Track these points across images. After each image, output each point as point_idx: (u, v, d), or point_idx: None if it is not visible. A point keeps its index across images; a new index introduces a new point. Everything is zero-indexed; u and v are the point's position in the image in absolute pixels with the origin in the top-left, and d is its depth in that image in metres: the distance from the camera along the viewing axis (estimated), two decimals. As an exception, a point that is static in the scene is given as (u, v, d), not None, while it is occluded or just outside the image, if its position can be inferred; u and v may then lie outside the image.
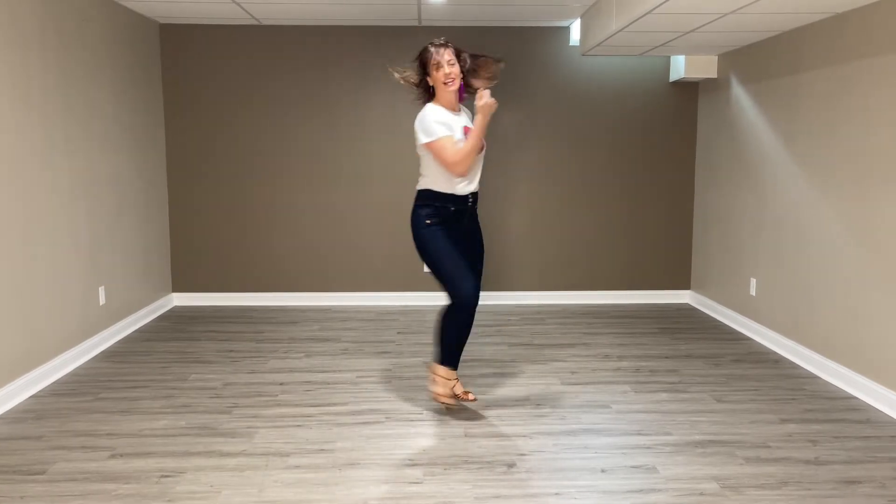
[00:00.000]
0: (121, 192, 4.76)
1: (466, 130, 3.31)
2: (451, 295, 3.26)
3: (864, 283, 3.66)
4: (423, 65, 3.30)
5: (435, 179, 3.31)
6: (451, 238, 3.32)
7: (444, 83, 3.25)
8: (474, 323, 3.27)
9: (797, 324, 4.27)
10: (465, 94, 3.41)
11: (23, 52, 3.62)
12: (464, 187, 3.32)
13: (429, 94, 3.37)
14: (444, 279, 3.27)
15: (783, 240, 4.42)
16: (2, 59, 3.44)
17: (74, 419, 3.34)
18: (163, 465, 2.87)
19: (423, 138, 3.24)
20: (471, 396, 3.59)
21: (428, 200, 3.33)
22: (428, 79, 3.32)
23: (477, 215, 3.51)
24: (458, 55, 3.29)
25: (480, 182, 3.47)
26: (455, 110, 3.35)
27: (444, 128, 3.20)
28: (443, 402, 3.43)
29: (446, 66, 3.23)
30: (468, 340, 3.52)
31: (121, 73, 4.76)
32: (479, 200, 3.51)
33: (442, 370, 3.39)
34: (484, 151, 3.36)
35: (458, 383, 3.63)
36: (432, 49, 3.27)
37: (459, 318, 3.28)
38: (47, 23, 3.85)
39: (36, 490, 2.66)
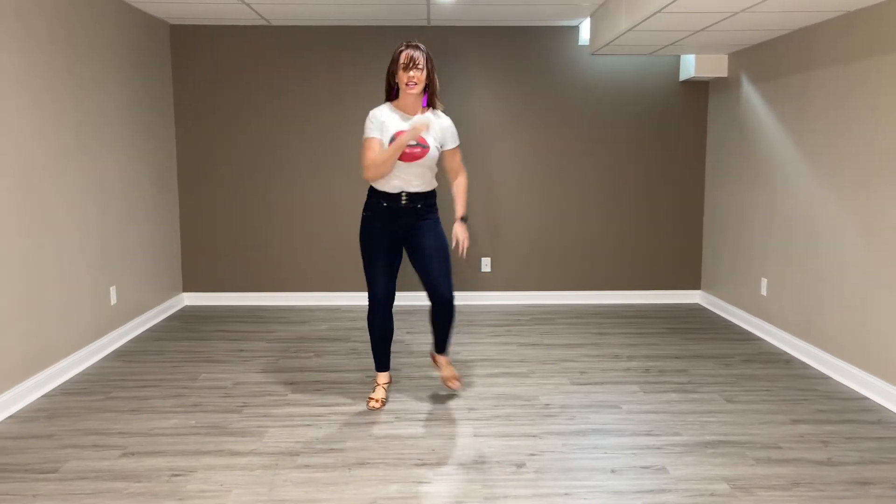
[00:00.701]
0: (132, 192, 4.78)
1: (396, 135, 3.30)
2: (369, 293, 3.43)
3: (875, 282, 3.63)
4: (393, 62, 3.31)
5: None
6: (385, 237, 3.39)
7: (406, 84, 3.27)
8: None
9: (808, 324, 4.25)
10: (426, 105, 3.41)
11: (33, 54, 3.65)
12: (394, 185, 3.33)
13: (392, 93, 3.39)
14: (365, 276, 3.46)
15: (794, 239, 4.40)
16: (13, 61, 3.47)
17: (86, 418, 3.36)
18: (173, 463, 2.88)
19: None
20: (454, 384, 3.61)
21: (369, 196, 3.45)
22: (396, 77, 3.33)
23: (428, 220, 3.42)
24: (428, 63, 3.30)
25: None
26: (411, 114, 3.36)
27: (375, 129, 3.31)
28: (370, 406, 3.53)
29: (412, 68, 3.25)
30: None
31: (131, 74, 4.78)
32: (428, 206, 3.42)
33: (378, 375, 3.63)
34: (423, 159, 3.30)
35: (380, 388, 3.61)
36: (404, 49, 3.28)
37: (372, 316, 3.47)
38: (57, 24, 3.87)
39: (48, 489, 2.67)
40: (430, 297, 3.46)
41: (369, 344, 4.60)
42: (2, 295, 3.37)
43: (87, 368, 4.10)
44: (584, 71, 5.61)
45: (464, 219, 3.49)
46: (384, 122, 3.32)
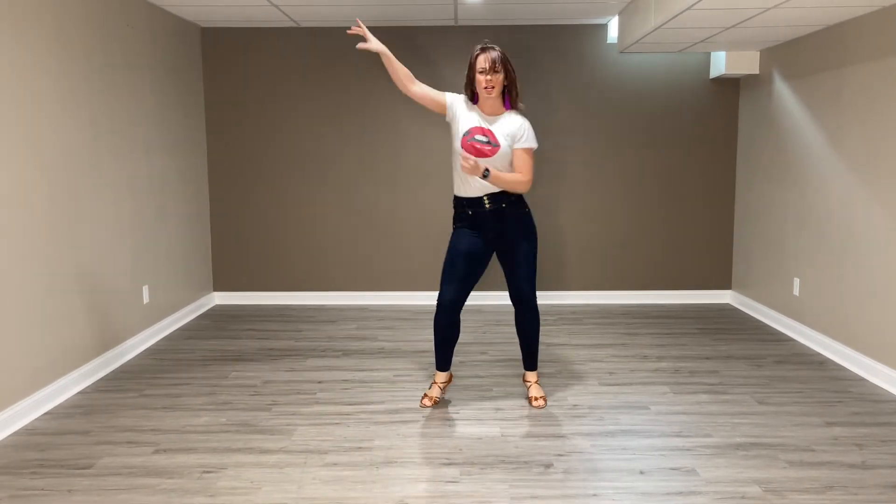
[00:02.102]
0: (164, 193, 4.86)
1: (484, 132, 3.27)
2: (438, 294, 3.42)
3: (913, 283, 3.56)
4: (470, 67, 3.29)
5: (455, 184, 3.43)
6: (473, 244, 3.35)
7: (485, 88, 3.23)
8: (511, 322, 3.31)
9: (843, 325, 4.17)
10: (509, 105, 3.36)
11: (68, 58, 3.72)
12: (475, 189, 3.31)
13: (474, 98, 3.36)
14: (441, 277, 3.44)
15: (827, 238, 4.32)
16: (48, 66, 3.54)
17: (120, 415, 3.42)
18: (204, 460, 2.92)
19: None
20: (538, 403, 3.54)
21: (454, 205, 3.46)
22: (474, 83, 3.29)
23: (514, 218, 3.36)
24: (506, 64, 3.23)
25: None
26: (491, 114, 3.32)
27: (448, 95, 3.38)
28: (422, 403, 3.54)
29: (490, 72, 3.20)
30: (513, 345, 3.51)
31: (163, 77, 4.85)
32: (512, 203, 3.34)
33: (436, 374, 3.58)
34: (494, 158, 3.25)
35: (436, 386, 3.57)
36: (479, 53, 3.24)
37: (437, 318, 3.42)
38: (90, 28, 3.94)
39: (83, 484, 2.73)
40: (513, 297, 3.45)
41: (396, 343, 4.63)
42: (38, 294, 3.45)
43: (122, 366, 4.17)
44: (613, 69, 5.57)
45: (485, 173, 3.17)
46: (460, 109, 3.33)
